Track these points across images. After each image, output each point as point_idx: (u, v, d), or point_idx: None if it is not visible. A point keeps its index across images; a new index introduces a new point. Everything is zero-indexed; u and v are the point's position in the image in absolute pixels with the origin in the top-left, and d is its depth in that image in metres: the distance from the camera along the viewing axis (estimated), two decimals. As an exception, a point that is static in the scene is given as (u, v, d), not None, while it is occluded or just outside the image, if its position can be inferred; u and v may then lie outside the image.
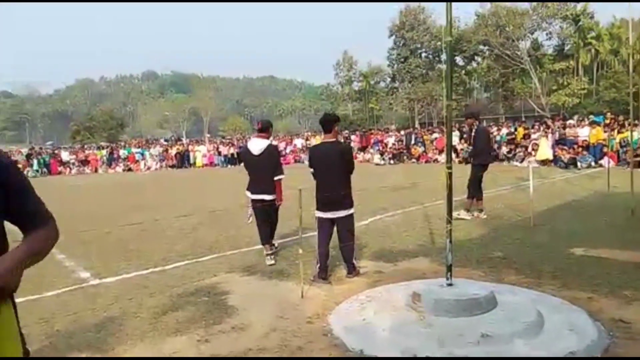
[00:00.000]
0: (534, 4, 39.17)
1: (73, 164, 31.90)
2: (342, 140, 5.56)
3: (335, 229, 5.32)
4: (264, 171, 6.13)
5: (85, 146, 39.22)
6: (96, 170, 31.02)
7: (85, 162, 32.11)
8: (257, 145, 6.25)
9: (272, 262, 5.97)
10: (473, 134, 8.79)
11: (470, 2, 40.05)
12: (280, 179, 6.15)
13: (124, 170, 30.71)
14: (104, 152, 33.73)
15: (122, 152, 33.40)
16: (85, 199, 15.58)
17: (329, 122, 5.30)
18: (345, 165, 5.24)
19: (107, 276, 5.73)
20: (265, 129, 6.41)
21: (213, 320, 4.19)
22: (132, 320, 4.32)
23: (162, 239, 7.84)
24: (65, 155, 33.03)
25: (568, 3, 39.43)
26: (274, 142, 6.68)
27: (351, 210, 5.27)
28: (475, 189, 8.37)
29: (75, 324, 4.28)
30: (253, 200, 6.18)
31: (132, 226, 9.19)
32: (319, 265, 5.20)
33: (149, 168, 31.02)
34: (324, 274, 5.19)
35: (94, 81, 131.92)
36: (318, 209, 5.27)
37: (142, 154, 32.74)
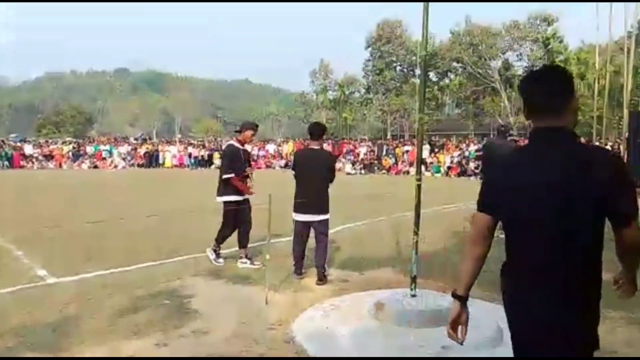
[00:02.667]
0: (507, 24, 40.34)
1: (37, 158, 30.93)
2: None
3: (311, 233, 5.49)
4: (220, 173, 6.24)
5: (50, 141, 38.07)
6: (60, 166, 30.16)
7: (49, 157, 31.16)
8: None
9: (242, 266, 5.99)
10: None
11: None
12: (226, 178, 6.01)
13: (89, 167, 29.96)
14: (70, 147, 32.82)
15: (89, 149, 32.58)
16: (47, 195, 15.09)
17: (319, 130, 5.57)
18: (327, 173, 5.46)
19: (65, 275, 5.55)
20: (238, 132, 6.45)
21: (173, 324, 4.11)
22: (89, 320, 4.19)
23: (126, 238, 7.65)
24: (28, 149, 31.95)
25: (539, 26, 40.68)
26: (248, 147, 6.63)
27: (327, 216, 5.42)
28: None
29: (29, 323, 4.12)
30: None
31: (94, 224, 8.93)
32: (294, 263, 5.48)
33: (115, 166, 30.38)
34: (299, 270, 5.47)
35: (64, 74, 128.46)
36: (296, 211, 5.40)
37: (110, 152, 32.03)
